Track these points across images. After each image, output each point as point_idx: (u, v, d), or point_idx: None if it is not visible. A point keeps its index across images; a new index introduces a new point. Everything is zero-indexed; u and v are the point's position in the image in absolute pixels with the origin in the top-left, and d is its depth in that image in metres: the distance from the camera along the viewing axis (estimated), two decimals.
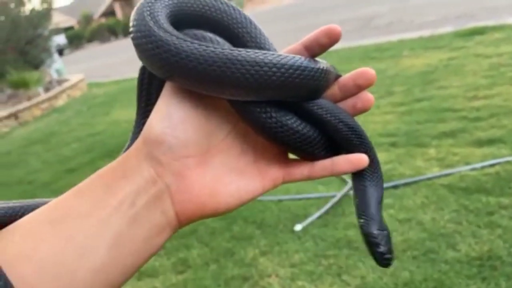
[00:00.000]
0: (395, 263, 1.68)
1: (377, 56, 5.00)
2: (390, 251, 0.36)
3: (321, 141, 0.36)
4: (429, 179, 2.19)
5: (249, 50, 0.30)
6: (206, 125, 0.33)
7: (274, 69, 0.30)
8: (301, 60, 0.31)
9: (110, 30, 28.40)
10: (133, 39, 0.31)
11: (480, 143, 2.41)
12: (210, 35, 0.33)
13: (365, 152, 0.37)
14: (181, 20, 0.33)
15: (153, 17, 0.31)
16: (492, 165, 2.15)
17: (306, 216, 2.14)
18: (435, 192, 2.07)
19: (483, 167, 2.16)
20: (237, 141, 0.35)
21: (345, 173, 0.37)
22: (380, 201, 0.38)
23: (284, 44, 0.44)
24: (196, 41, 0.30)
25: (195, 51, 0.29)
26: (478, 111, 2.81)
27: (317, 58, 0.35)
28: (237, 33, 0.34)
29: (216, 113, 0.34)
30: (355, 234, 1.90)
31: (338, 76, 0.36)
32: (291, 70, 0.30)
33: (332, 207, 2.15)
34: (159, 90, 0.34)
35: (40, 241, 0.28)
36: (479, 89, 3.17)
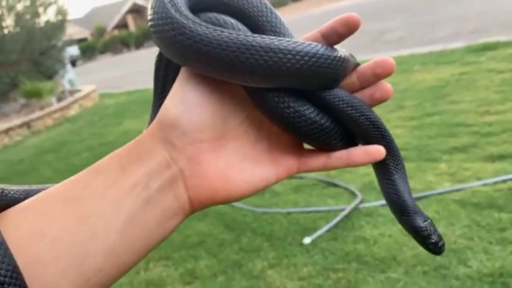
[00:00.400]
0: (405, 278, 1.66)
1: None
2: (440, 237, 0.37)
3: (338, 132, 0.35)
4: (440, 194, 2.17)
5: (264, 36, 0.30)
6: (221, 110, 0.33)
7: (289, 56, 0.29)
8: (317, 47, 0.30)
9: (122, 42, 28.83)
10: (150, 21, 0.31)
11: (492, 159, 2.39)
12: (231, 20, 0.32)
13: (387, 145, 0.36)
14: (202, 7, 0.33)
15: (171, 1, 0.31)
16: (504, 181, 2.13)
17: (315, 229, 2.12)
18: (446, 207, 2.05)
19: (495, 183, 2.14)
20: (252, 128, 0.35)
21: (362, 165, 0.36)
22: (411, 192, 0.39)
23: None
24: (211, 26, 0.30)
25: (210, 35, 0.29)
26: (490, 126, 2.78)
27: (336, 46, 0.34)
28: (257, 21, 0.34)
29: (231, 99, 0.33)
30: (364, 248, 1.89)
31: (356, 65, 0.36)
32: (306, 57, 0.30)
33: (342, 220, 2.13)
34: (175, 75, 0.34)
35: (54, 219, 0.28)
36: (491, 104, 3.14)
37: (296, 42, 0.30)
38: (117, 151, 0.32)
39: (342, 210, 2.20)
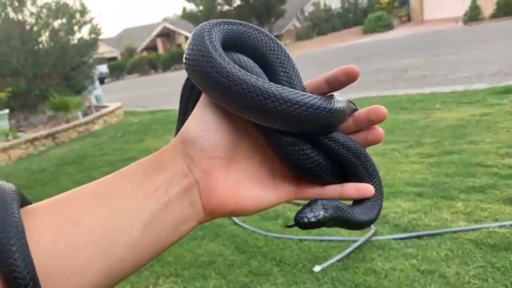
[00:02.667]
0: None
1: (409, 106, 5.02)
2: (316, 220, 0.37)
3: (332, 169, 0.40)
4: (455, 232, 2.14)
5: (278, 86, 0.35)
6: (233, 134, 0.37)
7: (288, 104, 0.34)
8: (314, 99, 0.35)
9: (150, 64, 29.58)
10: (188, 49, 0.37)
11: (510, 201, 2.36)
12: (251, 63, 0.38)
13: (371, 183, 0.41)
14: (231, 45, 0.38)
15: (210, 38, 0.36)
16: None
17: (326, 258, 2.12)
18: (460, 246, 2.02)
19: None
20: (258, 153, 0.40)
21: (352, 199, 0.41)
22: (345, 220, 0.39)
23: None
24: (232, 64, 0.35)
25: (230, 72, 0.34)
26: (510, 169, 2.76)
27: (336, 93, 0.40)
28: (273, 65, 0.38)
29: (241, 126, 0.38)
30: (374, 281, 1.87)
31: (354, 110, 0.41)
32: (304, 107, 0.34)
33: (353, 251, 2.12)
34: (197, 98, 0.39)
35: (87, 212, 0.33)
36: None
37: (297, 93, 0.35)
38: (142, 159, 0.38)
39: (355, 241, 2.20)
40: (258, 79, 0.34)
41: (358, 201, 0.41)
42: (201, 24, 0.38)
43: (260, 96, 0.33)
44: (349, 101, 0.40)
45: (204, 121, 0.37)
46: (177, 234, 0.36)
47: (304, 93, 0.35)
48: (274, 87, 0.34)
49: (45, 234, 0.30)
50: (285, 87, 0.35)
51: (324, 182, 0.40)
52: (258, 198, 0.39)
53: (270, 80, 0.37)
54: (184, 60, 0.37)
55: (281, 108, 0.34)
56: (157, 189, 0.35)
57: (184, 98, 0.44)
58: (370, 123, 0.40)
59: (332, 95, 0.38)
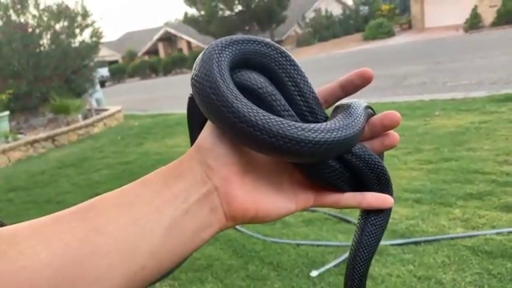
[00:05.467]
0: None
1: (408, 113, 5.03)
2: None
3: (351, 179, 0.41)
4: (452, 238, 2.15)
5: (290, 123, 0.34)
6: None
7: (310, 145, 0.33)
8: (332, 135, 0.34)
9: (151, 68, 29.61)
10: (195, 75, 0.36)
11: (508, 208, 2.36)
12: (262, 80, 0.38)
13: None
14: (242, 64, 0.38)
15: (219, 64, 0.36)
16: None
17: (323, 263, 2.12)
18: (457, 253, 2.02)
19: (509, 233, 2.11)
20: (275, 160, 0.40)
21: (371, 208, 0.42)
22: (369, 262, 0.42)
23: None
24: (239, 97, 0.34)
25: (241, 110, 0.33)
26: (508, 176, 2.77)
27: (354, 99, 0.40)
28: (286, 82, 0.39)
29: None
30: (371, 286, 1.87)
31: (371, 115, 0.41)
32: (318, 145, 0.33)
33: None
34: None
35: (110, 219, 0.34)
36: (511, 154, 3.13)
37: (311, 129, 0.34)
38: (162, 168, 0.39)
39: None
40: (268, 117, 0.34)
41: (364, 217, 0.42)
42: (212, 45, 0.37)
43: (273, 138, 0.33)
44: (368, 107, 0.40)
45: (217, 132, 0.38)
46: (198, 241, 0.36)
47: (319, 126, 0.34)
48: (283, 125, 0.33)
49: (70, 241, 0.32)
50: (297, 123, 0.34)
51: (342, 191, 0.41)
52: (276, 204, 0.39)
53: (283, 95, 0.38)
54: (191, 80, 0.37)
55: (294, 148, 0.33)
56: (176, 196, 0.36)
57: (192, 110, 0.43)
58: (384, 128, 0.41)
59: (350, 106, 0.38)
